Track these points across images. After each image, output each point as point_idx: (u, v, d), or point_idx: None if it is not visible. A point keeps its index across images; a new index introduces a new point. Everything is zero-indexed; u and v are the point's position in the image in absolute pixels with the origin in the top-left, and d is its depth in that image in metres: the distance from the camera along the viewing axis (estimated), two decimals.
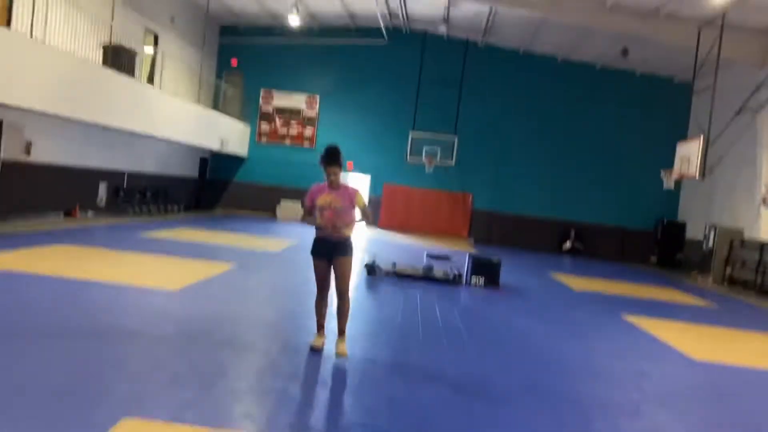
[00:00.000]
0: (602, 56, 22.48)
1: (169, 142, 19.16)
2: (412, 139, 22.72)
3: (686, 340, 8.44)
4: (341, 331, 5.65)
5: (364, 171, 24.36)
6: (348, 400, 4.63)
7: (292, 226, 20.86)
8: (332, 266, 5.64)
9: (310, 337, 5.88)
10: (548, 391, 5.31)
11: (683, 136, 20.56)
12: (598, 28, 18.92)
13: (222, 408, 4.08)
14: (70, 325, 5.66)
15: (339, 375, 5.16)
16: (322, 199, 5.51)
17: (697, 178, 15.92)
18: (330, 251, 5.60)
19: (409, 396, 4.75)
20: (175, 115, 17.97)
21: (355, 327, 6.58)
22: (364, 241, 18.96)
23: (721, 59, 15.28)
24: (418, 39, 23.63)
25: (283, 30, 22.77)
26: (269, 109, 24.60)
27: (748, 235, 18.10)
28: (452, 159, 22.54)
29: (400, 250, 16.74)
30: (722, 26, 15.04)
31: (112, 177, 17.45)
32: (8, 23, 12.60)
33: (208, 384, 4.45)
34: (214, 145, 21.17)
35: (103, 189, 17.11)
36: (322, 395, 4.75)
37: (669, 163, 18.69)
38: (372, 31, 23.28)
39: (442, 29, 21.43)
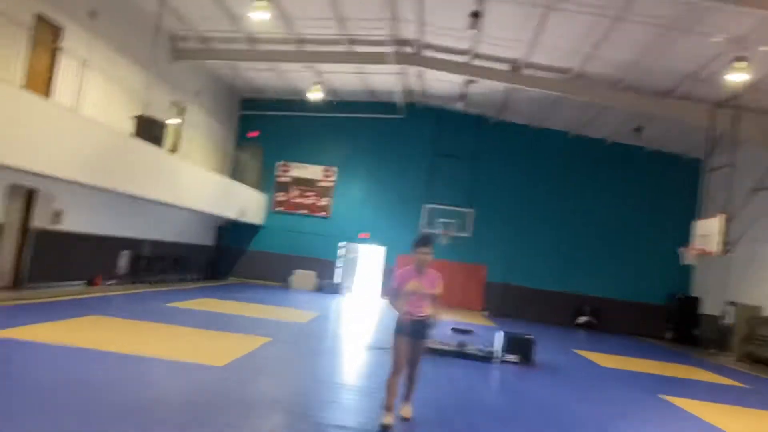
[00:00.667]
0: (614, 133, 23.03)
1: (190, 211, 19.34)
2: (427, 211, 22.96)
3: (731, 421, 8.32)
4: (408, 398, 6.08)
5: (379, 243, 24.50)
6: None
7: (308, 295, 20.80)
8: (411, 346, 5.94)
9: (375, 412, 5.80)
10: None
11: (692, 211, 20.90)
12: (612, 106, 19.49)
13: None
14: (141, 402, 5.58)
15: None
16: (412, 285, 5.84)
17: (719, 254, 16.03)
18: (414, 332, 5.90)
19: None
20: (198, 184, 18.24)
21: (419, 412, 6.43)
22: (380, 315, 18.89)
23: (734, 138, 15.68)
24: (433, 114, 24.27)
25: (303, 104, 23.39)
26: (286, 179, 24.95)
27: (767, 312, 18.05)
28: (467, 231, 22.71)
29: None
30: (739, 106, 15.51)
31: (134, 245, 17.53)
32: (48, 93, 12.99)
33: None
34: (233, 214, 21.37)
35: (125, 257, 17.17)
36: None
37: (679, 237, 18.93)
38: (389, 106, 23.91)
39: (459, 105, 22.03)
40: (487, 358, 10.76)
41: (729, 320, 19.04)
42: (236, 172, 23.64)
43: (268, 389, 6.78)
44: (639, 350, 17.78)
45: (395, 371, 5.84)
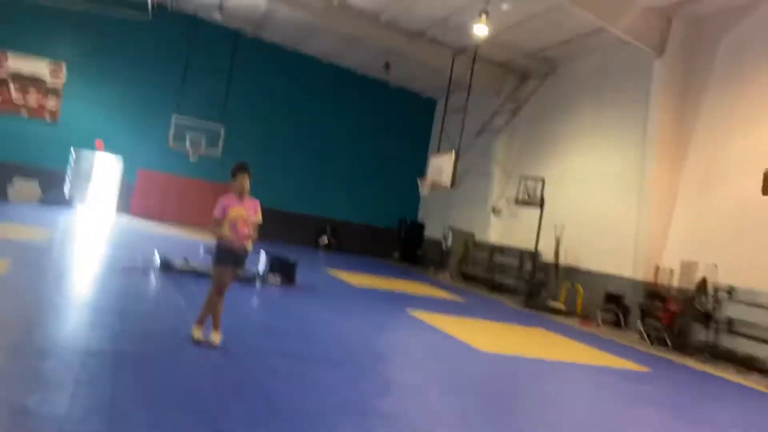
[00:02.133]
0: (365, 65, 24.09)
1: None
2: (175, 123, 21.69)
3: (458, 328, 9.87)
4: (218, 326, 6.21)
5: (118, 153, 22.52)
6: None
7: (33, 209, 18.47)
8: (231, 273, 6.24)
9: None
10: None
11: (428, 146, 23.16)
12: (368, 40, 20.34)
13: None
14: None
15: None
16: (235, 212, 5.94)
17: (449, 187, 18.17)
18: (236, 261, 6.15)
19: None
20: None
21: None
22: (119, 230, 17.72)
23: (468, 84, 17.62)
24: (187, 20, 22.59)
25: None
26: (2, 74, 21.29)
27: (479, 237, 21.15)
28: (219, 149, 22.10)
29: (168, 242, 16.03)
30: (475, 56, 17.37)
31: None
32: None
33: None
34: None
35: None
36: None
37: (414, 170, 21.02)
38: (137, 5, 21.58)
39: (217, 15, 20.86)
40: (251, 280, 10.93)
41: (448, 243, 21.89)
42: None
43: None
44: (377, 268, 19.60)
45: (217, 293, 6.13)
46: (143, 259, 11.33)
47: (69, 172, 22.25)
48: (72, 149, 22.21)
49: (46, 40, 21.56)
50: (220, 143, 22.14)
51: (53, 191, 21.36)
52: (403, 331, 9.19)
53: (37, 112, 21.63)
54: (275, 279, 11.16)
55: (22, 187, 20.78)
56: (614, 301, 14.43)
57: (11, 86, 21.35)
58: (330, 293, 11.96)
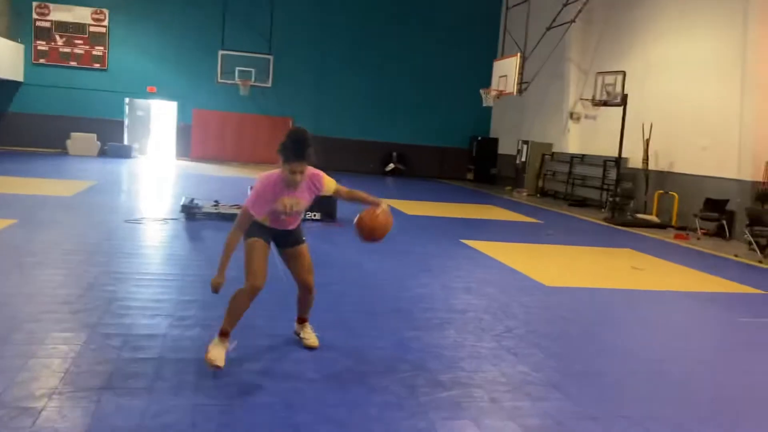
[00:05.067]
0: None
1: None
2: (222, 58, 20.62)
3: (523, 259, 8.37)
4: (305, 320, 4.51)
5: (169, 98, 21.89)
6: None
7: (90, 162, 18.20)
8: (286, 257, 4.31)
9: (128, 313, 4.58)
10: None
11: (494, 52, 20.89)
12: None
13: None
14: None
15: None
16: (284, 203, 3.94)
17: (514, 94, 16.19)
18: (278, 237, 4.19)
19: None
20: None
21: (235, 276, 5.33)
22: (176, 175, 17.13)
23: None
24: None
25: None
26: (46, 23, 20.82)
27: (557, 148, 19.10)
28: (269, 80, 20.93)
29: (219, 184, 15.25)
30: None
31: None
32: None
33: None
34: None
35: None
36: None
37: (483, 80, 18.96)
38: None
39: None
40: None
41: (522, 158, 19.98)
42: None
43: None
44: (443, 193, 18.12)
45: (250, 286, 3.95)
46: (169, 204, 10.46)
47: (125, 121, 21.87)
48: (125, 99, 21.73)
49: None
50: (270, 74, 20.92)
51: (112, 142, 21.08)
52: (447, 267, 7.80)
53: (85, 60, 21.12)
54: (313, 215, 10.01)
55: (81, 140, 20.58)
56: (716, 207, 12.36)
57: (56, 37, 20.88)
58: None
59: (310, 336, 4.45)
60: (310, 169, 3.99)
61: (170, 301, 5.31)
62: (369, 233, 4.06)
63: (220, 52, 20.56)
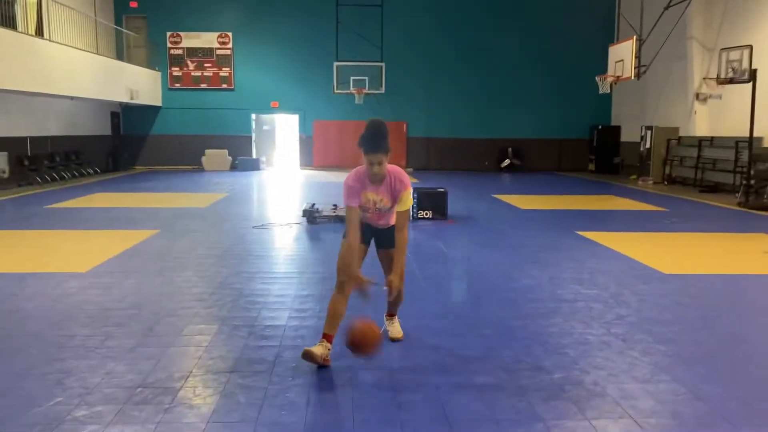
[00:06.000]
0: None
1: (75, 100, 17.45)
2: (337, 69, 21.45)
3: (641, 248, 8.08)
4: (393, 314, 4.68)
5: (291, 111, 23.10)
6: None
7: (222, 176, 19.64)
8: (380, 257, 4.42)
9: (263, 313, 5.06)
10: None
11: (609, 37, 20.09)
12: None
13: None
14: None
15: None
16: (365, 198, 4.11)
17: (632, 78, 15.56)
18: (374, 236, 4.36)
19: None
20: (74, 67, 16.18)
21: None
22: (300, 184, 18.05)
23: None
24: None
25: None
26: (179, 51, 22.72)
27: (683, 132, 18.06)
28: (381, 87, 21.48)
29: (339, 189, 15.85)
30: None
31: (13, 145, 15.78)
32: None
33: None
34: (123, 97, 19.41)
35: (3, 159, 15.44)
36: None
37: (599, 68, 18.30)
38: None
39: None
40: None
41: (646, 145, 19.06)
42: (121, 51, 21.31)
43: (128, 293, 5.92)
44: (561, 186, 17.71)
45: (337, 283, 4.15)
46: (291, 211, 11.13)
47: (253, 136, 23.34)
48: (252, 115, 23.19)
49: (210, 14, 22.47)
50: (383, 81, 21.46)
51: (241, 156, 22.57)
52: (558, 258, 7.72)
53: (214, 81, 22.79)
54: (425, 214, 10.25)
55: (214, 156, 22.24)
56: None
57: (188, 62, 22.70)
58: (485, 222, 10.69)
59: (393, 328, 4.66)
60: (398, 171, 4.08)
61: (290, 296, 5.77)
62: (357, 345, 3.87)
63: (335, 64, 21.39)
